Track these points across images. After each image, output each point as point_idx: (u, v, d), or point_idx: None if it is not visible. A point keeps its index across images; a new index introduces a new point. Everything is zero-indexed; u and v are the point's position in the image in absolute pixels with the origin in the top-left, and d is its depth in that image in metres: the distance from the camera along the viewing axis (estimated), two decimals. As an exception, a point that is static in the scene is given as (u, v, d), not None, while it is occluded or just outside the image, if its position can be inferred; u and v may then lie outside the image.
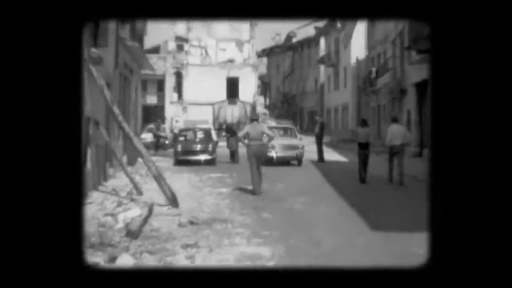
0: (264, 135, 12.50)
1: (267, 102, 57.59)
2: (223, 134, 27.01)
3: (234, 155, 21.10)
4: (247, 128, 12.62)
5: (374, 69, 31.84)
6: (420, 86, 23.10)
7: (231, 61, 45.81)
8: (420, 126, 23.61)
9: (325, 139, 19.70)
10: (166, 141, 28.54)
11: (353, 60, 37.75)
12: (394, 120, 15.13)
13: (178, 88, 46.17)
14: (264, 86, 60.21)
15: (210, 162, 20.37)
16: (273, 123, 25.96)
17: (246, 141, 12.37)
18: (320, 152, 21.06)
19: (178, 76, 46.12)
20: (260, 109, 47.61)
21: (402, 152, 14.26)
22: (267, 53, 57.74)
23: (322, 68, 46.01)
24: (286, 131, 21.70)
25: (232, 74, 45.69)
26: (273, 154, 19.10)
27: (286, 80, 55.75)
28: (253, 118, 13.26)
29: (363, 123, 15.35)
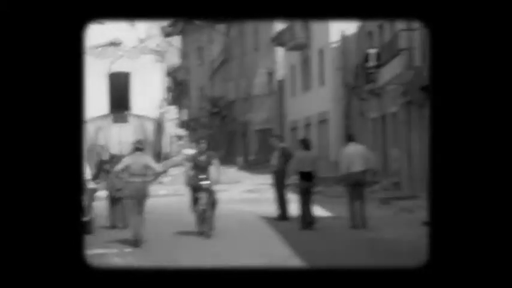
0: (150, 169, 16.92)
1: (185, 115, 58.02)
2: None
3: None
4: (127, 160, 17.07)
5: (373, 52, 32.15)
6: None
7: (114, 44, 45.69)
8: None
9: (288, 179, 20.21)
10: None
11: (335, 38, 38.14)
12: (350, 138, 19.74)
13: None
14: (178, 88, 61.00)
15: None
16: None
17: (126, 176, 17.01)
18: (282, 203, 21.28)
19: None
20: (171, 128, 47.62)
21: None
22: (182, 28, 57.83)
23: (280, 52, 46.58)
24: None
25: (119, 68, 45.45)
26: None
27: (216, 75, 56.40)
28: (138, 147, 17.38)
29: (304, 145, 19.27)
